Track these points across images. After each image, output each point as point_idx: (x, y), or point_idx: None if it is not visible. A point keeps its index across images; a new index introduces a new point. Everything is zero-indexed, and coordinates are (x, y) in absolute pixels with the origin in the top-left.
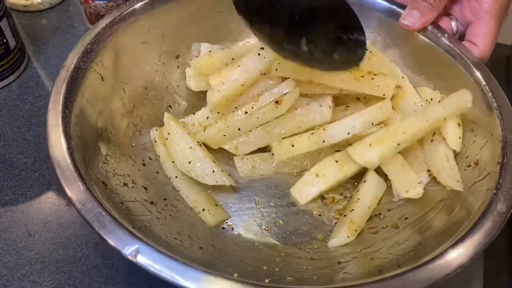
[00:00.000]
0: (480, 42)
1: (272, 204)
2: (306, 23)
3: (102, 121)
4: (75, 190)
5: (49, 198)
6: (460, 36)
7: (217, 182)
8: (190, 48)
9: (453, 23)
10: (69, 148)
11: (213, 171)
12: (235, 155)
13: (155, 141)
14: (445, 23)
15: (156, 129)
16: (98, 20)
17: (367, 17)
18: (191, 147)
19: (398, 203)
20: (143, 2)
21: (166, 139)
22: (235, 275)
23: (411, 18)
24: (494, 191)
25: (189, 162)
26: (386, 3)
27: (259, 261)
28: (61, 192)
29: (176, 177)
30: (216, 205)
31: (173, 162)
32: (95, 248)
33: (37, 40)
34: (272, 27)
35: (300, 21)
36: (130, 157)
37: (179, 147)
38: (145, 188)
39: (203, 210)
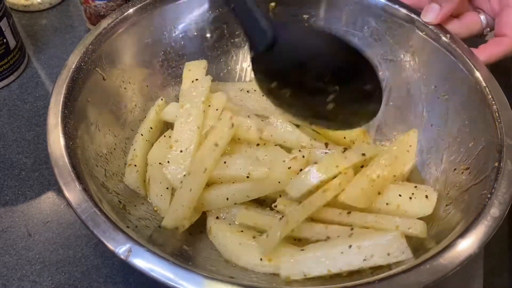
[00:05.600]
0: (510, 30)
1: None
2: (331, 82)
3: (103, 121)
4: (71, 189)
5: (49, 198)
6: (492, 30)
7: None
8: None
9: (482, 17)
10: (68, 148)
11: (167, 189)
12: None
13: (153, 105)
14: (473, 17)
15: (162, 99)
16: (98, 20)
17: (368, 17)
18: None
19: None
20: (145, 2)
21: (165, 136)
22: None
23: (431, 14)
24: (489, 195)
25: (159, 163)
26: (388, 3)
27: None
28: (61, 192)
29: (142, 135)
30: (144, 181)
31: (151, 128)
32: (95, 248)
33: (37, 40)
34: (294, 91)
35: (325, 82)
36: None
37: (162, 147)
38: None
39: (135, 166)
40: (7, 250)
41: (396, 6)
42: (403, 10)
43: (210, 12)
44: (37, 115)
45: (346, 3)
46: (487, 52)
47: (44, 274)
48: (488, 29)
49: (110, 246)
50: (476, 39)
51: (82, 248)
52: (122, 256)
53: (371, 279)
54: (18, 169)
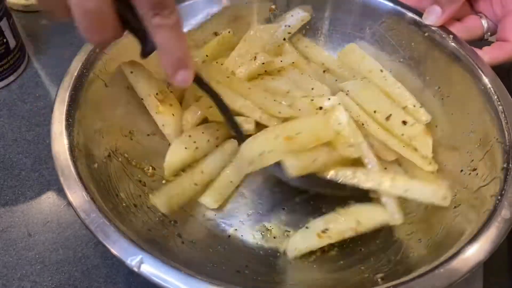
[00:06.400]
0: None
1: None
2: None
3: (106, 128)
4: (79, 199)
5: (49, 198)
6: (492, 34)
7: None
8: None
9: (483, 21)
10: (73, 157)
11: None
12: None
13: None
14: (475, 21)
15: (229, 31)
16: None
17: (372, 18)
18: None
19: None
20: None
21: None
22: None
23: (433, 16)
24: (499, 197)
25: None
26: (390, 4)
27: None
28: (61, 192)
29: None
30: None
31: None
32: (95, 248)
33: (37, 40)
34: None
35: None
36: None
37: None
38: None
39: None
40: (7, 250)
41: (399, 8)
42: (406, 12)
43: (211, 15)
44: (37, 115)
45: (348, 5)
46: (491, 54)
47: (44, 274)
48: (489, 33)
49: (121, 257)
50: (481, 41)
51: (82, 248)
52: (134, 268)
53: (387, 285)
54: (18, 169)
